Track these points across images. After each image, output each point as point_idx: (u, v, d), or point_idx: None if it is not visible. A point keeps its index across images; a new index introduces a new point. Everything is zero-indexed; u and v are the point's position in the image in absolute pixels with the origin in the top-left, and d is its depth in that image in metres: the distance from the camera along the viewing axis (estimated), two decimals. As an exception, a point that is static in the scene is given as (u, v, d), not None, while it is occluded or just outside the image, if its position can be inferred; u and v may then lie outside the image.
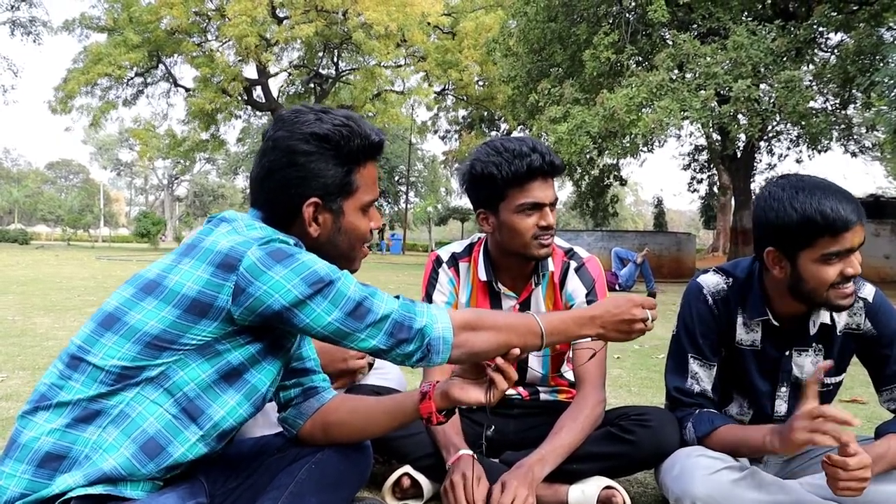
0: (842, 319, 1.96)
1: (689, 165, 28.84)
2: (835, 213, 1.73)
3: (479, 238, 2.31)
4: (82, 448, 1.30)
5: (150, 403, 1.34)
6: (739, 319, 2.00)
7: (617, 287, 12.14)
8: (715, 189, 30.12)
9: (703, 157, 27.50)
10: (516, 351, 1.47)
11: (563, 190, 37.37)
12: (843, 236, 1.75)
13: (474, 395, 1.51)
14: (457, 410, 2.11)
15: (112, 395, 1.33)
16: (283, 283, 1.32)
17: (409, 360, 1.42)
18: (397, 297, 1.44)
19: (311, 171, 1.46)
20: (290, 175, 1.45)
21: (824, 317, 1.93)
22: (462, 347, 1.43)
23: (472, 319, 1.45)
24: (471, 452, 1.96)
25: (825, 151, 18.67)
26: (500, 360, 1.47)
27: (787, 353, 1.98)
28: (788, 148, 21.89)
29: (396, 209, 49.50)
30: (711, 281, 2.03)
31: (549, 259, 2.19)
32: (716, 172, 28.74)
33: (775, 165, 23.28)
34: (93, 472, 1.29)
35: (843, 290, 1.79)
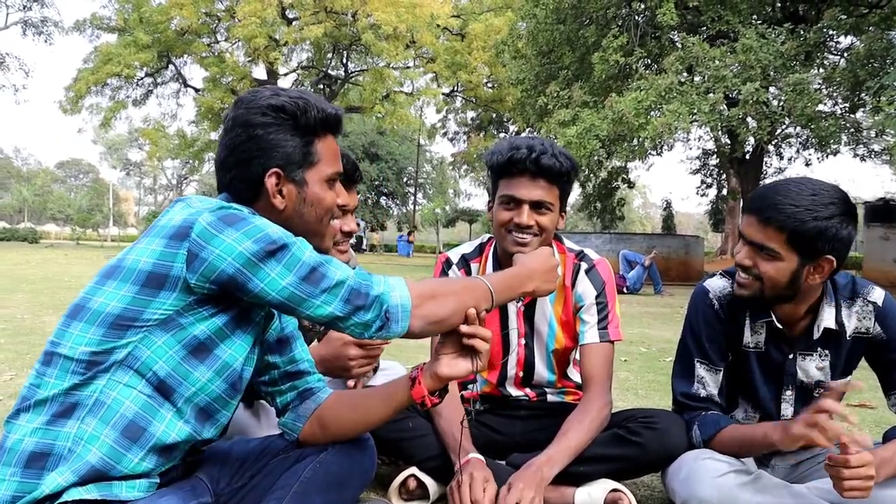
0: (851, 324, 1.95)
1: (699, 170, 28.76)
2: None
3: (490, 238, 2.31)
4: (64, 443, 1.30)
5: (124, 387, 1.34)
6: (747, 322, 2.00)
7: (625, 290, 12.12)
8: (724, 192, 30.01)
9: (713, 161, 27.41)
10: (472, 312, 1.48)
11: (572, 192, 37.29)
12: None
13: (462, 367, 1.52)
14: (465, 413, 2.13)
15: (85, 385, 1.32)
16: (235, 245, 1.31)
17: (368, 331, 1.40)
18: (354, 268, 1.44)
19: (269, 142, 1.46)
20: (250, 147, 1.46)
21: (828, 321, 1.92)
22: (421, 315, 1.42)
23: (427, 288, 1.46)
24: (480, 456, 1.97)
25: (834, 155, 18.59)
26: (466, 328, 1.48)
27: (791, 356, 1.97)
28: (797, 151, 21.83)
29: (405, 211, 49.49)
30: (718, 285, 2.03)
31: (560, 261, 2.19)
32: (725, 176, 28.64)
33: (784, 169, 23.23)
34: (80, 467, 1.29)
35: None
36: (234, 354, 1.43)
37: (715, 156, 26.34)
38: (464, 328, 1.49)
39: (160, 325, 1.34)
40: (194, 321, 1.36)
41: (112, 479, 1.32)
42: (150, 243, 1.35)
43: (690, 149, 26.39)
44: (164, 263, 1.32)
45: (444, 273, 2.29)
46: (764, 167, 21.02)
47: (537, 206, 2.07)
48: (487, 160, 2.14)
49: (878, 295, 1.95)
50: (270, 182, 1.47)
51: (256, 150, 1.46)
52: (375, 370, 2.31)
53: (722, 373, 2.02)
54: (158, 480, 1.40)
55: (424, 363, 1.59)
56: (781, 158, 23.01)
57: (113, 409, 1.33)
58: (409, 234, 36.78)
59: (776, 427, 1.77)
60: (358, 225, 2.57)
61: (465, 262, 2.30)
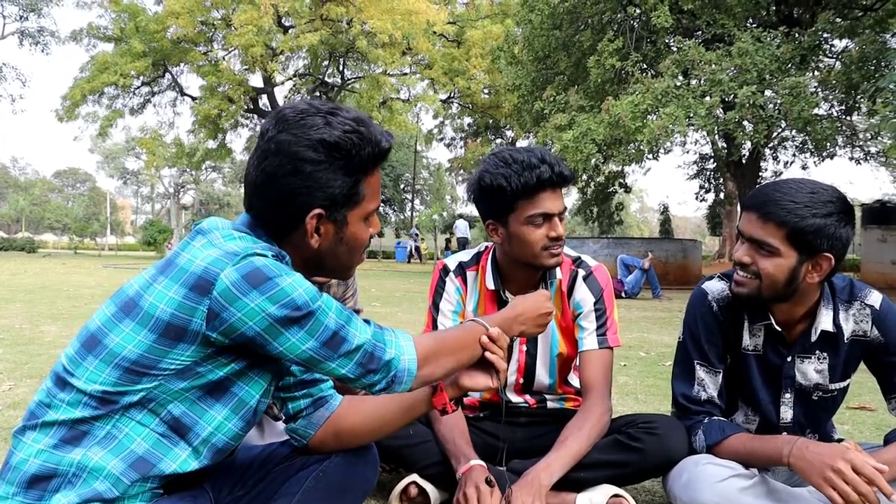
0: (848, 326, 1.96)
1: (696, 175, 28.79)
2: None
3: (487, 247, 2.31)
4: (68, 468, 1.28)
5: (136, 424, 1.32)
6: (746, 325, 2.01)
7: (623, 294, 12.12)
8: (721, 196, 30.05)
9: (710, 165, 27.45)
10: (495, 331, 1.53)
11: (569, 197, 37.33)
12: None
13: (482, 380, 1.55)
14: (465, 420, 2.13)
15: (98, 419, 1.30)
16: (258, 310, 1.27)
17: (372, 389, 1.41)
18: (367, 321, 1.43)
19: (317, 182, 1.37)
20: (295, 184, 1.36)
21: (826, 324, 1.92)
22: (423, 377, 1.44)
23: (433, 349, 1.46)
24: (482, 462, 1.96)
25: (831, 158, 18.64)
26: (487, 342, 1.52)
27: (789, 359, 1.98)
28: (794, 154, 21.85)
29: (402, 217, 49.49)
30: (716, 287, 2.04)
31: (557, 267, 2.20)
32: (722, 180, 28.67)
33: (781, 172, 23.24)
34: (86, 492, 1.28)
35: None
36: (251, 392, 1.42)
37: (712, 160, 26.38)
38: (483, 340, 1.52)
39: (177, 374, 1.31)
40: (212, 368, 1.34)
41: (115, 501, 1.31)
42: (170, 288, 1.30)
43: (687, 152, 26.46)
44: (182, 316, 1.28)
45: (442, 280, 2.29)
46: (761, 171, 21.04)
47: (560, 215, 2.08)
48: (502, 185, 2.02)
49: (875, 298, 1.96)
50: (311, 223, 1.40)
51: (302, 187, 1.37)
52: None
53: (721, 375, 2.03)
54: (161, 491, 1.40)
55: None
56: (778, 162, 23.05)
57: (124, 445, 1.31)
58: (419, 239, 36.72)
59: (799, 459, 1.75)
60: (415, 236, 2.54)
61: (461, 269, 2.29)
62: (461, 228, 29.41)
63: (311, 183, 1.37)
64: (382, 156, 1.46)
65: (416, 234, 36.50)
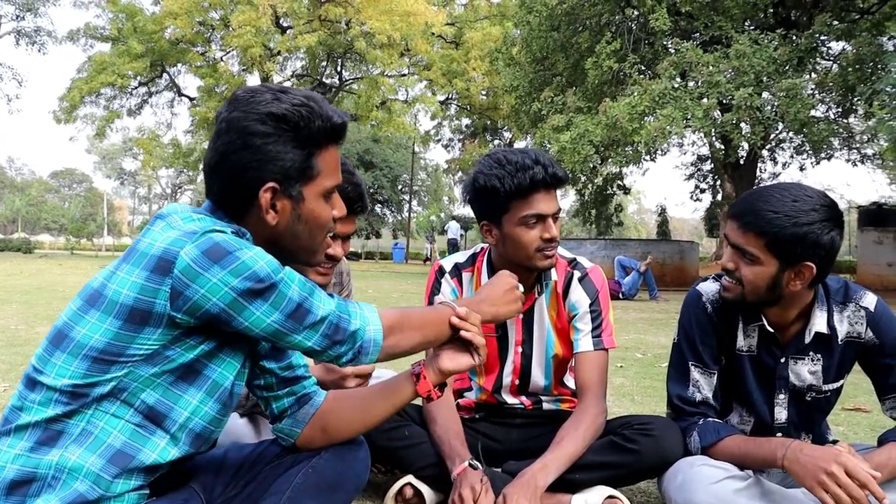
0: (843, 328, 1.96)
1: (692, 175, 28.81)
2: None
3: (483, 248, 2.31)
4: (46, 470, 1.26)
5: (111, 417, 1.30)
6: (740, 326, 2.01)
7: (620, 296, 12.13)
8: (718, 197, 30.10)
9: (707, 167, 27.47)
10: (463, 310, 1.53)
11: (567, 198, 37.38)
12: None
13: (464, 360, 1.57)
14: (461, 421, 2.13)
15: (71, 416, 1.29)
16: (221, 285, 1.26)
17: (339, 361, 1.41)
18: (331, 295, 1.42)
19: (267, 154, 1.36)
20: (246, 158, 1.36)
21: (819, 325, 1.93)
22: (389, 349, 1.44)
23: (399, 320, 1.46)
24: (476, 463, 1.96)
25: (828, 160, 18.69)
26: (456, 320, 1.52)
27: (783, 360, 1.98)
28: (791, 156, 21.91)
29: (400, 218, 49.52)
30: (710, 288, 2.05)
31: (553, 269, 2.20)
32: (719, 181, 28.70)
33: (779, 174, 23.31)
34: (68, 495, 1.26)
35: None
36: (224, 373, 1.40)
37: (709, 161, 26.41)
38: (454, 321, 1.52)
39: (146, 360, 1.30)
40: (181, 351, 1.32)
41: (100, 501, 1.30)
42: (131, 273, 1.28)
43: (684, 153, 26.41)
44: (146, 299, 1.27)
45: (437, 281, 2.29)
46: (758, 172, 21.11)
47: (554, 216, 2.08)
48: (495, 186, 2.03)
49: (870, 300, 1.97)
50: (265, 197, 1.38)
51: (252, 160, 1.36)
52: (369, 376, 2.30)
53: (716, 376, 2.03)
54: (148, 491, 1.39)
55: (423, 360, 1.62)
56: (776, 163, 23.12)
57: (100, 440, 1.30)
58: (433, 241, 36.72)
59: (793, 463, 1.76)
60: (430, 239, 2.53)
61: (457, 271, 2.30)
62: (452, 230, 29.45)
63: (260, 156, 1.37)
64: (336, 131, 1.45)
65: (431, 237, 36.67)
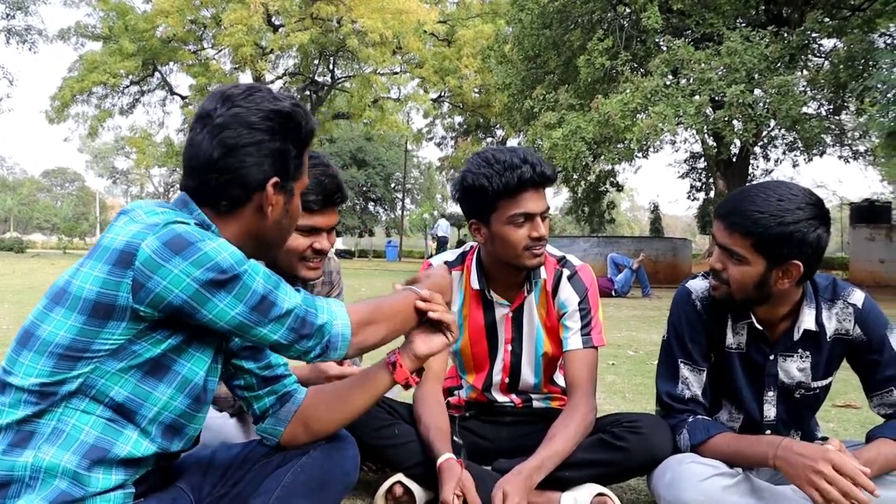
0: (831, 325, 1.97)
1: (687, 174, 28.84)
2: None
3: (472, 246, 2.31)
4: (22, 472, 1.26)
5: (81, 414, 1.30)
6: (729, 323, 2.02)
7: (613, 293, 12.15)
8: (711, 194, 30.17)
9: (701, 164, 27.51)
10: (425, 292, 1.56)
11: (559, 196, 37.39)
12: None
13: (437, 341, 1.59)
14: (447, 418, 2.13)
15: (41, 415, 1.28)
16: (183, 276, 1.25)
17: (307, 357, 1.41)
18: (298, 289, 1.42)
19: (275, 150, 1.41)
20: (256, 152, 1.39)
21: (808, 323, 1.94)
22: (358, 343, 1.45)
23: (366, 314, 1.47)
24: (452, 456, 1.96)
25: (820, 156, 18.76)
26: (422, 304, 1.54)
27: (772, 357, 1.99)
28: (784, 153, 21.97)
29: (393, 216, 49.50)
30: (700, 286, 2.05)
31: (542, 267, 2.20)
32: (712, 179, 28.72)
33: (771, 171, 23.37)
34: (50, 493, 1.26)
35: None
36: (193, 369, 1.39)
37: (702, 159, 26.46)
38: (420, 304, 1.54)
39: (111, 355, 1.29)
40: (148, 346, 1.31)
41: (85, 499, 1.29)
42: (94, 268, 1.29)
43: (677, 151, 26.49)
44: (108, 292, 1.26)
45: None
46: (751, 169, 21.14)
47: (542, 214, 2.08)
48: (483, 185, 2.03)
49: (857, 297, 1.97)
50: (270, 192, 1.42)
51: (261, 155, 1.40)
52: None
53: (705, 373, 2.04)
54: (133, 490, 1.38)
55: (397, 348, 1.62)
56: (768, 160, 23.16)
57: (73, 437, 1.29)
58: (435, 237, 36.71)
59: (774, 446, 1.77)
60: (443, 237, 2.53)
61: (447, 269, 2.29)
62: (442, 227, 29.42)
63: (267, 152, 1.40)
64: (314, 134, 1.51)
65: (435, 234, 36.60)
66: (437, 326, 1.58)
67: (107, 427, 1.32)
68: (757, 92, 14.81)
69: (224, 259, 1.28)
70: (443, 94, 31.92)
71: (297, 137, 1.45)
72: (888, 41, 15.77)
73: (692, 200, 29.51)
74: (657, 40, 17.06)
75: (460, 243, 28.22)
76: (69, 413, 1.30)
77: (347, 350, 1.43)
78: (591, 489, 2.01)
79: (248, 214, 1.44)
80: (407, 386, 1.60)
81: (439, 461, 1.95)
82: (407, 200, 49.33)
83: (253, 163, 1.39)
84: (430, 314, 1.54)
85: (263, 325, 1.33)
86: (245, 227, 1.44)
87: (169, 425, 1.39)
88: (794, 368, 1.99)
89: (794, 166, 22.56)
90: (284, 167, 1.43)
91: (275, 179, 1.41)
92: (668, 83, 15.27)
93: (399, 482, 2.07)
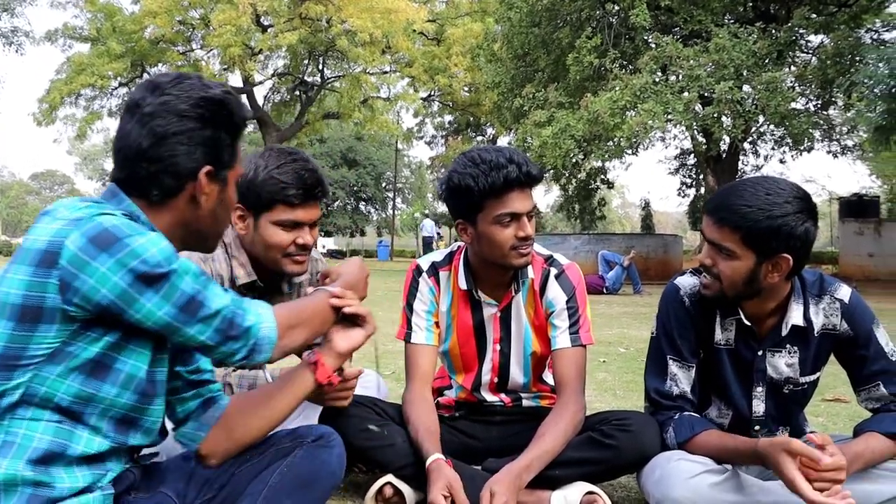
0: (818, 320, 1.98)
1: (678, 170, 28.93)
2: None
3: (460, 247, 2.31)
4: None
5: (29, 422, 1.27)
6: (718, 319, 2.03)
7: (604, 290, 12.17)
8: (702, 191, 30.28)
9: (692, 161, 27.60)
10: (338, 290, 1.56)
11: (550, 193, 37.44)
12: None
13: (356, 335, 1.59)
14: (437, 418, 2.13)
15: None
16: (109, 275, 1.22)
17: (232, 359, 1.38)
18: (226, 290, 1.39)
19: (206, 138, 1.39)
20: (187, 141, 1.37)
21: (796, 318, 1.95)
22: (283, 347, 1.43)
23: (290, 317, 1.45)
24: (441, 457, 1.95)
25: (808, 152, 18.85)
26: (336, 301, 1.54)
27: (760, 353, 2.00)
28: (773, 148, 22.06)
29: (384, 216, 49.47)
30: (688, 282, 2.06)
31: (529, 266, 2.20)
32: (702, 175, 28.80)
33: (761, 166, 23.47)
34: (18, 500, 1.24)
35: None
36: (136, 364, 1.35)
37: (692, 155, 26.55)
38: (334, 301, 1.53)
39: (49, 360, 1.25)
40: (84, 346, 1.28)
41: (57, 502, 1.27)
42: (18, 272, 1.25)
43: (667, 147, 26.54)
44: (34, 295, 1.22)
45: (415, 281, 2.29)
46: (740, 165, 21.21)
47: (529, 214, 2.08)
48: (469, 185, 2.03)
49: (844, 292, 1.99)
50: (204, 180, 1.39)
51: (193, 143, 1.37)
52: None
53: (694, 369, 2.05)
54: (112, 491, 1.36)
55: (317, 347, 1.61)
56: (758, 156, 23.27)
57: (24, 446, 1.26)
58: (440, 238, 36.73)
59: (769, 457, 1.76)
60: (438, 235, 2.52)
61: (434, 270, 2.29)
62: (427, 227, 29.40)
63: (199, 140, 1.38)
64: (246, 123, 1.51)
65: (439, 234, 36.64)
66: (353, 321, 1.58)
67: (59, 430, 1.29)
68: (745, 88, 14.88)
69: (152, 256, 1.25)
70: (433, 92, 31.88)
71: (230, 125, 1.43)
72: (874, 37, 15.86)
73: (682, 197, 29.60)
74: (646, 38, 17.09)
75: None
76: (17, 424, 1.27)
77: (273, 353, 1.41)
78: (581, 487, 2.01)
79: (181, 204, 1.41)
80: (329, 384, 1.59)
81: (428, 462, 1.94)
82: (398, 200, 49.34)
83: (184, 151, 1.37)
84: (346, 309, 1.54)
85: (191, 326, 1.30)
86: (178, 218, 1.42)
87: (120, 420, 1.36)
88: (783, 364, 2.00)
89: (783, 162, 22.65)
90: (217, 155, 1.41)
91: (207, 168, 1.40)
92: (656, 80, 15.31)
93: (389, 483, 2.06)
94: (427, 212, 33.73)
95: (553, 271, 2.23)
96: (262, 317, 1.39)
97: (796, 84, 15.93)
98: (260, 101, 32.21)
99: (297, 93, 31.94)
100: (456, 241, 2.37)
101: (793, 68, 16.50)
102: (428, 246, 27.56)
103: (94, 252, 1.22)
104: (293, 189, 2.02)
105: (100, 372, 1.30)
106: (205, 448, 1.57)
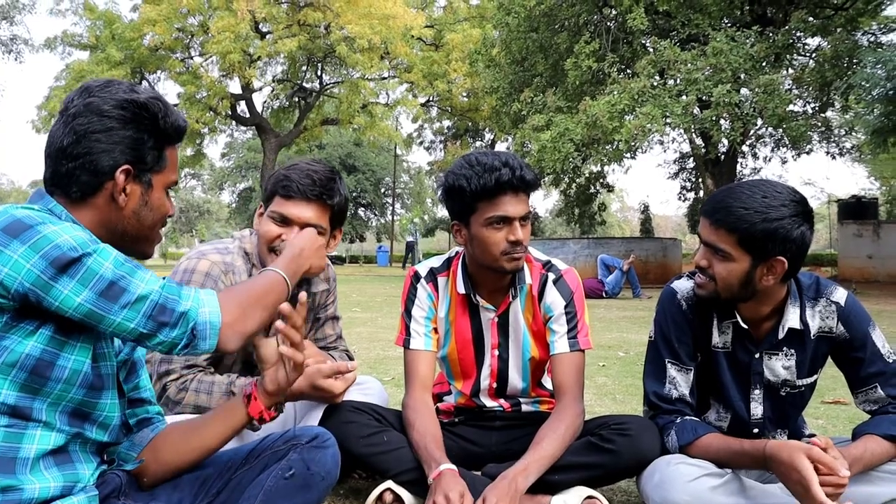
0: (815, 323, 1.99)
1: (677, 174, 28.92)
2: None
3: (458, 252, 2.32)
4: None
5: None
6: (715, 322, 2.03)
7: (604, 294, 12.18)
8: (701, 194, 30.27)
9: (691, 165, 27.60)
10: (279, 324, 1.47)
11: (550, 198, 37.45)
12: None
13: (281, 378, 1.53)
14: (440, 425, 2.13)
15: None
16: (22, 262, 1.22)
17: (176, 348, 1.35)
18: (163, 277, 1.38)
19: (124, 137, 1.39)
20: (103, 140, 1.38)
21: (792, 321, 1.96)
22: (239, 331, 1.40)
23: (241, 299, 1.44)
24: (453, 467, 1.95)
25: (807, 154, 18.87)
26: (281, 326, 1.46)
27: (757, 356, 2.01)
28: (771, 151, 22.08)
29: (383, 221, 49.47)
30: (685, 286, 2.07)
31: (527, 271, 2.21)
32: (701, 178, 28.78)
33: (760, 169, 23.47)
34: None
35: None
36: (78, 359, 1.34)
37: (692, 159, 26.55)
38: (279, 325, 1.47)
39: None
40: (20, 339, 1.27)
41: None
42: None
43: (666, 151, 26.55)
44: None
45: (413, 287, 2.29)
46: (739, 168, 21.22)
47: (522, 219, 2.09)
48: (462, 186, 2.05)
49: (840, 295, 1.99)
50: (120, 178, 1.40)
51: (111, 142, 1.38)
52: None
53: (692, 373, 2.05)
54: (97, 492, 1.35)
55: (257, 379, 1.59)
56: (756, 159, 23.26)
57: None
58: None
59: (762, 445, 1.79)
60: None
61: (432, 275, 2.30)
62: (410, 232, 29.39)
63: (117, 139, 1.40)
64: (180, 132, 1.50)
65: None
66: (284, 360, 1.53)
67: (7, 434, 1.28)
68: (743, 91, 14.89)
69: (65, 241, 1.25)
70: (431, 98, 31.94)
71: (154, 129, 1.44)
72: (871, 40, 15.88)
73: (683, 201, 29.59)
74: (643, 42, 17.14)
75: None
76: None
77: (222, 339, 1.38)
78: (581, 492, 2.02)
79: (102, 203, 1.41)
80: (262, 420, 1.55)
81: (438, 470, 1.92)
82: (397, 205, 49.30)
83: (102, 149, 1.38)
84: (281, 348, 1.49)
85: (116, 313, 1.28)
86: (99, 217, 1.42)
87: (72, 413, 1.36)
88: (780, 366, 2.01)
89: (783, 163, 22.66)
90: (138, 156, 1.42)
91: (125, 167, 1.40)
92: (654, 84, 15.33)
93: (389, 489, 2.06)
94: (416, 220, 33.56)
95: (551, 276, 2.23)
96: (201, 301, 1.37)
97: (794, 87, 15.96)
98: (259, 108, 32.25)
99: (296, 99, 31.99)
100: (411, 252, 2.38)
101: (790, 71, 16.53)
102: (410, 250, 27.61)
103: (6, 240, 1.23)
104: (287, 181, 2.06)
105: (42, 370, 1.29)
106: (136, 470, 1.55)
